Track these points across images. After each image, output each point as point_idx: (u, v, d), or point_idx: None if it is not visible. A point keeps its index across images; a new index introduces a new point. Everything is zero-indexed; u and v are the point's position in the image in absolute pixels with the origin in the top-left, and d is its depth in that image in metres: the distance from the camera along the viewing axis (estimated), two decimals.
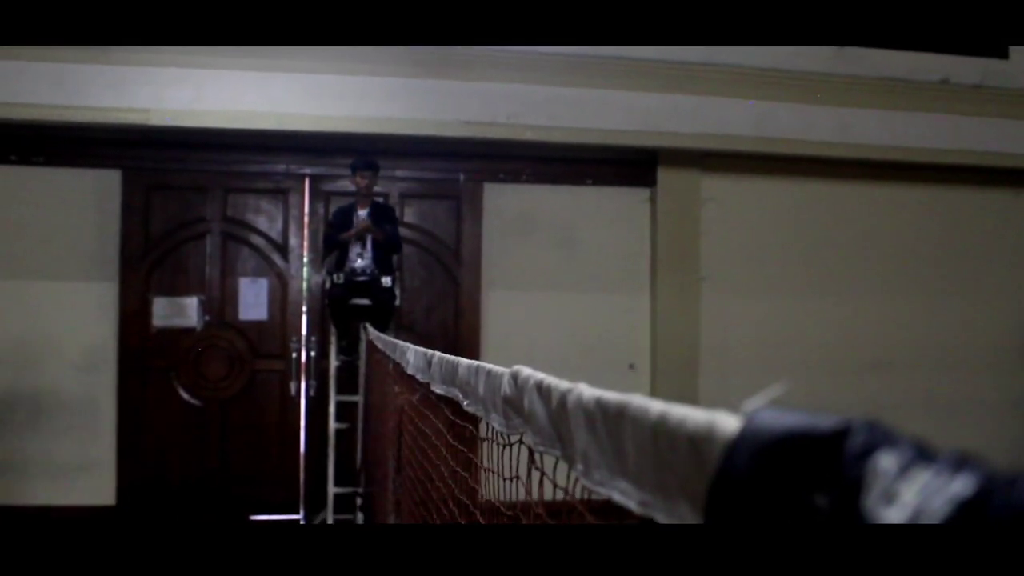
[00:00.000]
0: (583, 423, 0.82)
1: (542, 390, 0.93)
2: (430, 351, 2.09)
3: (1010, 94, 8.66)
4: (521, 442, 1.13)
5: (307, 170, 8.38)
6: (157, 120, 7.64)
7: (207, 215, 8.29)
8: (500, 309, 8.53)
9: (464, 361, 1.53)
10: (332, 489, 7.54)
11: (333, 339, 7.74)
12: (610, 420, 0.75)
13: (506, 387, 1.11)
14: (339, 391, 7.62)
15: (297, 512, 8.08)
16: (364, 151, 7.68)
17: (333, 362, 7.67)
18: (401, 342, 3.04)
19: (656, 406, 0.65)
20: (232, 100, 7.74)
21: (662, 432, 0.63)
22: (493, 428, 1.27)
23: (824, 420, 0.46)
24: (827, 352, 8.75)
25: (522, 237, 8.59)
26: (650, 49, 8.06)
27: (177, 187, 8.25)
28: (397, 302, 7.70)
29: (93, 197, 8.11)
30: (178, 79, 7.67)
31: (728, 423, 0.54)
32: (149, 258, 8.16)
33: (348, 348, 7.70)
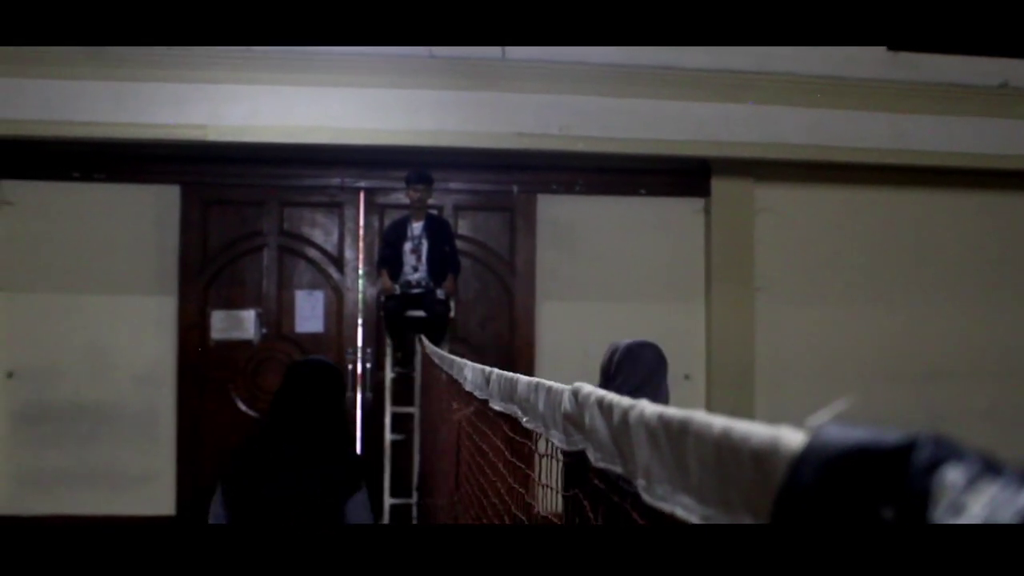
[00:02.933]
0: (645, 439, 0.83)
1: (603, 406, 0.94)
2: (488, 368, 2.11)
3: None
4: (582, 458, 1.14)
5: (362, 183, 8.45)
6: (214, 136, 7.76)
7: (264, 229, 8.39)
8: (554, 320, 8.54)
9: (523, 378, 1.55)
10: (388, 500, 7.57)
11: (389, 351, 7.78)
12: (673, 436, 0.76)
13: (567, 403, 1.12)
14: (394, 403, 7.66)
15: None
16: (418, 164, 7.72)
17: (389, 374, 7.72)
18: (458, 358, 3.06)
19: (719, 421, 0.66)
20: (287, 115, 7.85)
21: (726, 447, 0.64)
22: (552, 444, 1.28)
23: (890, 434, 0.47)
24: (884, 362, 8.66)
25: (576, 248, 8.60)
26: (702, 58, 8.05)
27: (234, 201, 8.36)
28: (452, 314, 7.73)
29: (153, 212, 8.25)
30: (234, 95, 7.79)
31: (792, 438, 0.55)
32: (207, 272, 8.27)
33: (404, 360, 7.75)
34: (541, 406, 1.30)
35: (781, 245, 8.70)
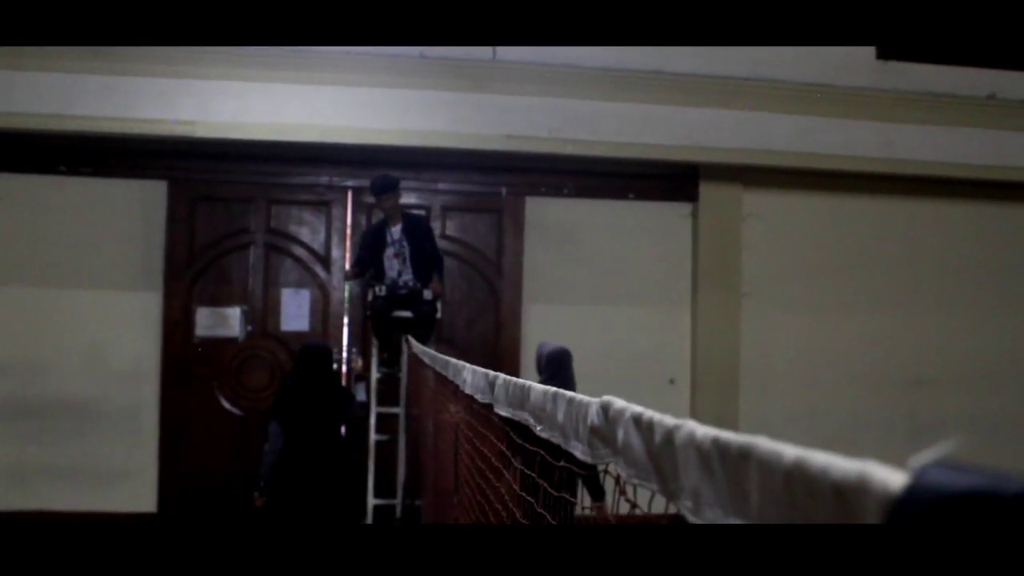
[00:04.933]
0: (695, 461, 0.82)
1: (641, 424, 0.93)
2: (492, 372, 2.10)
3: None
4: (607, 472, 1.14)
5: (350, 182, 8.43)
6: (203, 132, 7.72)
7: (251, 226, 8.36)
8: (540, 322, 8.53)
9: (537, 386, 1.53)
10: (372, 500, 7.55)
11: (375, 351, 7.76)
12: (730, 460, 0.75)
13: (594, 417, 1.11)
14: (380, 403, 7.64)
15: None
16: (378, 173, 7.71)
17: (374, 374, 7.70)
18: (456, 360, 3.05)
19: (790, 451, 0.66)
20: (276, 113, 7.82)
21: (798, 478, 0.63)
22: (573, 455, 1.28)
23: (1006, 481, 0.46)
24: (869, 369, 8.70)
25: (563, 251, 8.60)
26: (693, 63, 8.07)
27: (222, 198, 8.33)
28: (439, 315, 7.71)
29: (139, 207, 8.20)
30: (223, 92, 7.76)
31: (884, 476, 0.54)
32: (193, 268, 8.24)
33: (390, 360, 7.73)
34: (560, 416, 1.29)
35: (768, 251, 8.72)
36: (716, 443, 0.78)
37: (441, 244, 8.15)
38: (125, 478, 8.08)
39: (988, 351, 8.94)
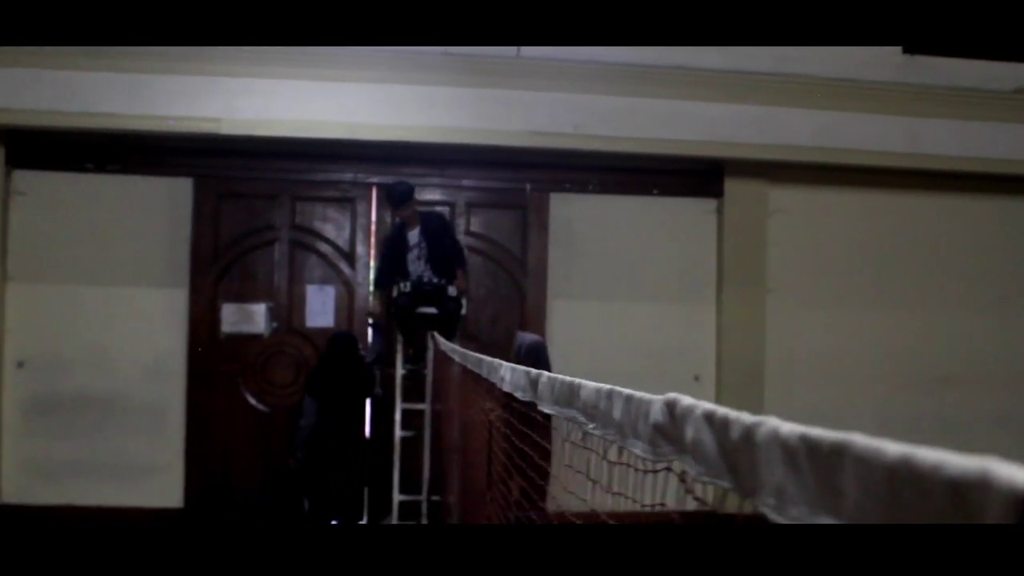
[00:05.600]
0: (780, 458, 0.81)
1: (714, 421, 0.93)
2: (534, 370, 2.09)
3: None
4: (669, 470, 1.13)
5: (374, 179, 8.43)
6: (228, 129, 7.75)
7: (276, 223, 8.38)
8: (565, 319, 8.52)
9: (589, 383, 1.52)
10: (397, 496, 7.56)
11: (399, 347, 7.76)
12: (821, 457, 0.74)
13: (657, 415, 1.10)
14: (405, 399, 7.64)
15: (360, 518, 8.11)
16: (391, 184, 7.79)
17: (399, 370, 7.70)
18: (491, 358, 3.04)
19: (893, 447, 0.65)
20: (301, 109, 7.84)
21: (904, 475, 0.62)
22: (631, 453, 1.27)
23: None
24: (895, 366, 8.63)
25: (587, 247, 8.58)
26: (717, 59, 8.03)
27: (247, 195, 8.35)
28: (463, 311, 7.71)
29: (165, 204, 8.24)
30: (249, 89, 7.78)
31: (1010, 473, 0.53)
32: (218, 265, 8.26)
33: (415, 357, 7.73)
34: (618, 414, 1.28)
35: (793, 247, 8.68)
36: (804, 440, 0.77)
37: (465, 241, 8.17)
38: (151, 474, 8.11)
39: (1015, 348, 8.87)
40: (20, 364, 8.02)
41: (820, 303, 8.73)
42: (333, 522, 7.44)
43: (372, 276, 8.16)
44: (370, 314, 7.87)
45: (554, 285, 8.58)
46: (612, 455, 1.47)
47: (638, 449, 1.19)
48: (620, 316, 8.57)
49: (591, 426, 1.47)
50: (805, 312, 8.68)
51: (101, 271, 8.14)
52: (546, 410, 1.85)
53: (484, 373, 3.18)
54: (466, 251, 8.02)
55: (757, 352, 8.56)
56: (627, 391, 1.28)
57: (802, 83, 8.21)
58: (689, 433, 0.99)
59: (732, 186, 8.63)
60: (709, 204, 8.70)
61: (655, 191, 8.67)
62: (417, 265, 7.50)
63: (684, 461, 1.02)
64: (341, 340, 7.67)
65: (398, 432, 7.60)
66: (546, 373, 1.95)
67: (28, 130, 7.85)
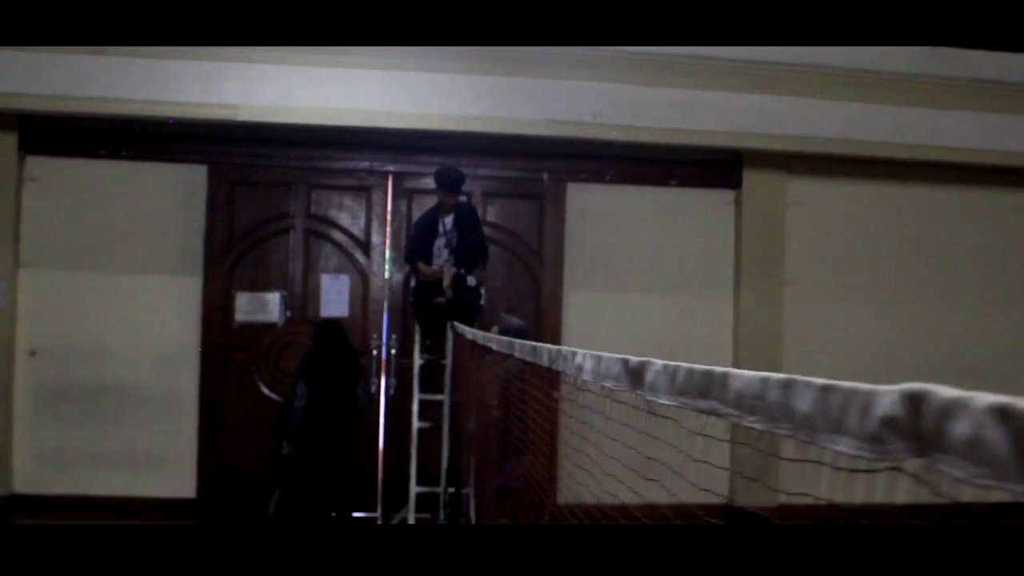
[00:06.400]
0: None
1: (1011, 415, 0.85)
2: (634, 358, 2.01)
3: None
4: (898, 469, 1.06)
5: (390, 167, 8.36)
6: (244, 116, 7.66)
7: (291, 211, 8.30)
8: (581, 309, 8.47)
9: (739, 371, 1.45)
10: (414, 488, 7.48)
11: (417, 337, 7.68)
12: None
13: (890, 407, 1.02)
14: (422, 390, 7.56)
15: (374, 510, 8.05)
16: (449, 163, 7.62)
17: (417, 360, 7.62)
18: (557, 346, 2.96)
19: None
20: (318, 97, 7.75)
21: None
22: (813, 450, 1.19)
23: None
24: (913, 358, 8.57)
25: (604, 238, 8.52)
26: (738, 49, 7.95)
27: (262, 183, 8.27)
28: (483, 301, 7.63)
29: (179, 192, 8.15)
30: (265, 76, 7.69)
31: None
32: (233, 253, 8.18)
33: (433, 347, 7.65)
34: (805, 406, 1.21)
35: (812, 239, 8.63)
36: None
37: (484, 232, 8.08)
38: (164, 463, 8.04)
39: None
40: (32, 352, 7.93)
41: (838, 296, 8.68)
42: (326, 507, 7.39)
43: (407, 250, 7.93)
44: (438, 281, 7.38)
45: (570, 276, 8.51)
46: (788, 451, 1.39)
47: (845, 447, 1.11)
48: (636, 308, 8.51)
49: (751, 418, 1.39)
50: (823, 305, 8.63)
51: (114, 259, 8.05)
52: (667, 402, 1.78)
53: (546, 362, 3.10)
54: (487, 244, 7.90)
55: (775, 344, 8.51)
56: (819, 380, 1.20)
57: (823, 74, 8.15)
58: (958, 429, 0.91)
59: (750, 177, 8.57)
60: (727, 195, 8.64)
61: (673, 182, 8.61)
62: (442, 252, 7.40)
63: (938, 460, 0.95)
64: (325, 327, 7.68)
65: (415, 423, 7.51)
66: (656, 361, 1.87)
67: (41, 116, 7.76)
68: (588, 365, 2.42)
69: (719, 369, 1.53)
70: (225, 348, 8.15)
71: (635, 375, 2.01)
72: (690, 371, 1.66)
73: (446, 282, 7.21)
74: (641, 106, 8.01)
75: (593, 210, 8.54)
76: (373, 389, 8.24)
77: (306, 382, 7.36)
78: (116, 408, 7.98)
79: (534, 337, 6.28)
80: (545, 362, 3.09)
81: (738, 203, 8.60)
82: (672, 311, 8.54)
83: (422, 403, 7.55)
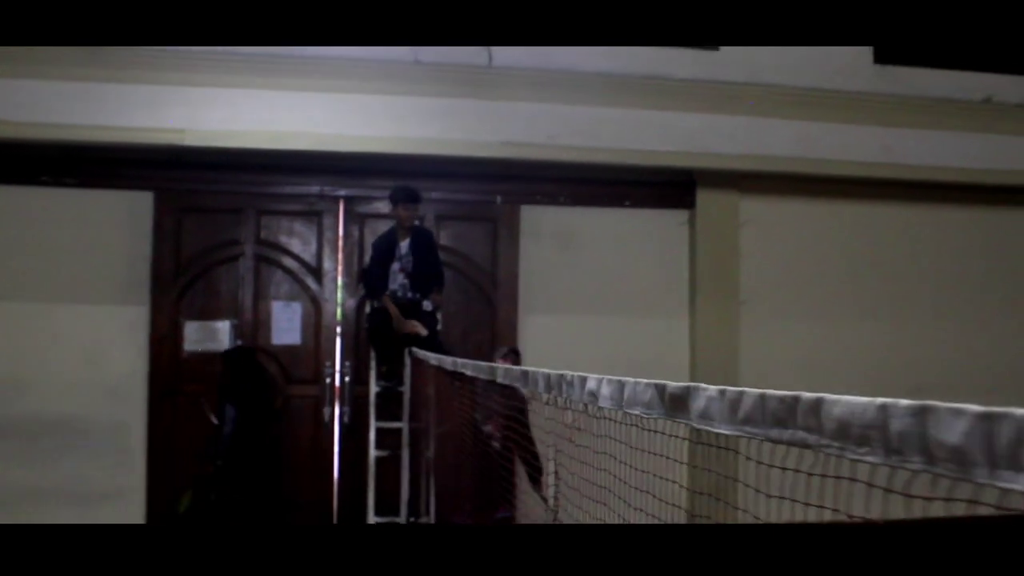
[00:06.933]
0: None
1: None
2: (673, 383, 1.92)
3: None
4: None
5: (342, 192, 8.22)
6: (192, 140, 7.49)
7: (240, 237, 8.12)
8: (536, 333, 8.37)
9: (837, 398, 1.35)
10: (373, 519, 7.32)
11: (373, 364, 7.53)
12: None
13: None
14: (380, 417, 7.41)
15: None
16: (405, 181, 7.46)
17: (373, 388, 7.47)
18: (559, 372, 2.85)
19: None
20: (267, 120, 7.60)
21: None
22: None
23: None
24: (868, 376, 8.57)
25: (559, 260, 8.44)
26: (691, 68, 7.98)
27: (210, 209, 8.09)
28: (439, 326, 7.50)
29: (125, 219, 7.94)
30: (212, 99, 7.53)
31: None
32: (180, 281, 7.99)
33: (389, 373, 7.50)
34: (954, 438, 1.09)
35: (766, 258, 8.64)
36: None
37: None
38: (112, 498, 7.79)
39: (987, 357, 8.90)
40: None
41: (793, 314, 8.69)
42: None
43: (362, 271, 7.78)
44: (396, 322, 7.14)
45: (525, 299, 8.43)
46: (912, 487, 1.28)
47: (1006, 482, 1.01)
48: (592, 330, 8.43)
49: (861, 450, 1.28)
50: (778, 323, 8.64)
51: (57, 288, 7.81)
52: (727, 431, 1.67)
53: (542, 389, 2.98)
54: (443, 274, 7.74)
55: (731, 364, 8.49)
56: (972, 407, 1.09)
57: (774, 93, 8.18)
58: None
59: (704, 197, 8.57)
60: (681, 216, 8.63)
61: (627, 203, 8.57)
62: (397, 277, 7.26)
63: None
64: (235, 354, 7.78)
65: (372, 452, 7.35)
66: (702, 385, 1.77)
67: None
68: (605, 391, 2.30)
69: (807, 395, 1.43)
70: (174, 378, 7.93)
71: (676, 402, 1.91)
72: (762, 397, 1.55)
73: (408, 329, 7.06)
74: (595, 127, 7.96)
75: (547, 232, 8.47)
76: (327, 418, 8.08)
77: (234, 407, 7.44)
78: (62, 442, 7.71)
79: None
80: (544, 389, 2.95)
81: (692, 223, 8.58)
82: (628, 332, 8.48)
83: (379, 431, 7.40)
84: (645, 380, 2.04)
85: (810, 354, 8.61)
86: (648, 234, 8.60)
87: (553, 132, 7.89)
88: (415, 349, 6.80)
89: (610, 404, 2.22)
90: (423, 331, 6.96)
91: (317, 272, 8.21)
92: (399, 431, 7.31)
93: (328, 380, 8.13)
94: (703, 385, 1.76)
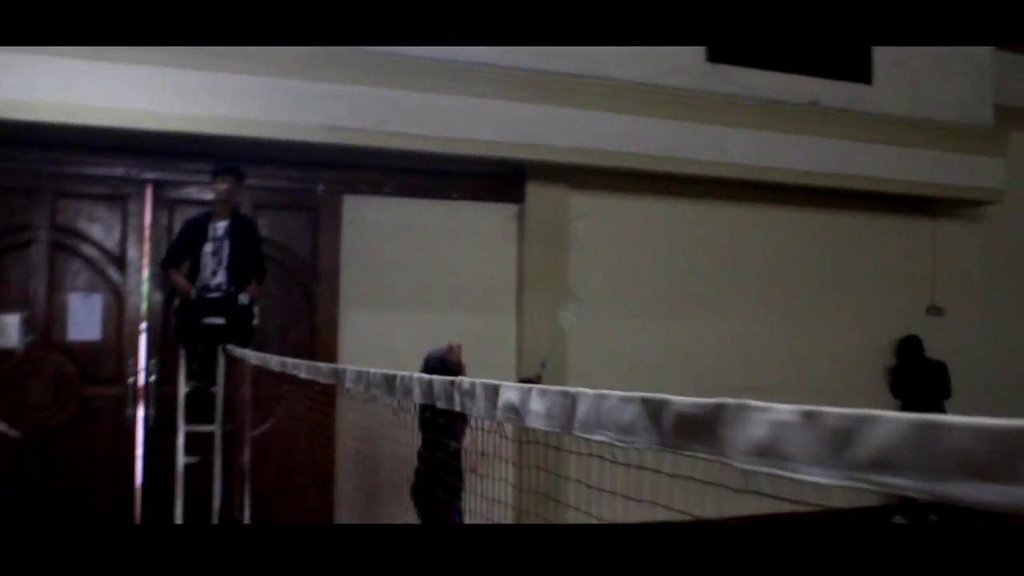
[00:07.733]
0: None
1: None
2: (648, 395, 1.50)
3: (874, 119, 8.75)
4: None
5: (150, 175, 7.57)
6: None
7: (33, 222, 7.35)
8: (359, 329, 7.96)
9: (893, 415, 1.02)
10: None
11: (182, 362, 6.93)
12: None
13: None
14: (189, 420, 6.82)
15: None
16: (221, 157, 6.94)
17: (182, 388, 6.87)
18: (464, 379, 2.38)
19: None
20: (68, 92, 6.85)
21: None
22: None
23: None
24: (696, 375, 8.56)
25: (384, 253, 8.05)
26: (522, 58, 7.71)
27: None
28: (256, 321, 6.97)
29: None
30: (5, 66, 6.74)
31: None
32: None
33: (200, 372, 6.91)
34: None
35: (595, 253, 8.49)
36: None
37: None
38: None
39: (812, 356, 9.05)
40: None
41: (622, 311, 8.57)
42: None
43: (163, 256, 7.19)
44: (183, 292, 6.80)
45: (347, 293, 7.99)
46: None
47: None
48: (418, 325, 8.04)
49: (889, 475, 0.97)
50: (607, 320, 8.51)
51: None
52: (743, 465, 1.26)
53: (441, 402, 2.50)
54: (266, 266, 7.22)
55: (559, 361, 8.30)
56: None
57: (606, 86, 8.00)
58: None
59: (534, 191, 8.34)
60: (511, 209, 8.37)
61: (455, 195, 8.25)
62: (209, 261, 6.70)
63: None
64: None
65: (181, 458, 6.77)
66: (710, 400, 1.38)
67: None
68: (540, 408, 1.83)
69: (848, 412, 1.08)
70: None
71: (653, 418, 1.47)
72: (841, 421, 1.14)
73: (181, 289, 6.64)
74: (424, 114, 7.59)
75: (371, 224, 8.05)
76: (129, 421, 7.44)
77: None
78: None
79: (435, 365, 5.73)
80: (445, 403, 2.46)
81: (521, 217, 8.33)
82: (455, 328, 8.09)
83: (189, 435, 6.82)
84: (621, 392, 1.60)
85: (638, 351, 8.56)
86: (477, 228, 8.31)
87: (380, 117, 7.47)
88: (230, 347, 6.30)
89: (543, 424, 1.79)
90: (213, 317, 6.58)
91: (120, 262, 7.53)
92: (211, 435, 6.77)
93: (131, 379, 7.47)
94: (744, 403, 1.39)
